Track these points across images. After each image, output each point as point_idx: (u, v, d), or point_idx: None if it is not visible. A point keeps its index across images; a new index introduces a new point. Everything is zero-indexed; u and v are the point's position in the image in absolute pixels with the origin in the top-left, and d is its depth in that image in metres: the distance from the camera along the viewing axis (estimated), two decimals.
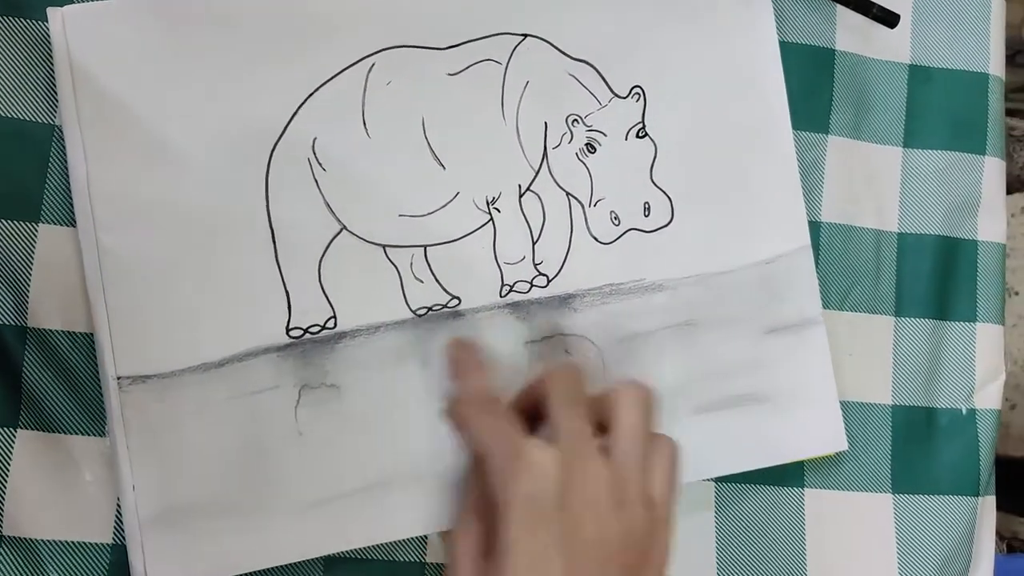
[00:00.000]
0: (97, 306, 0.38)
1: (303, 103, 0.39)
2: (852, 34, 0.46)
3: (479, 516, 0.34)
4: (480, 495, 0.34)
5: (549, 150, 0.41)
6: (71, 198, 0.38)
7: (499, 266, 0.41)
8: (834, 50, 0.46)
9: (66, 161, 0.38)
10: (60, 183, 0.39)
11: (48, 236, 0.38)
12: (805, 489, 0.44)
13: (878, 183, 0.46)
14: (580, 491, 0.32)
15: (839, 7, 0.45)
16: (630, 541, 0.32)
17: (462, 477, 0.38)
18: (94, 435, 0.38)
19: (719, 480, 0.43)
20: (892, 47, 0.47)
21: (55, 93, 0.39)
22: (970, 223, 0.47)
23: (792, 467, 0.43)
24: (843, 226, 0.45)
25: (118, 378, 0.37)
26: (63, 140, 0.38)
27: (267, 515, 0.38)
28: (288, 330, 0.39)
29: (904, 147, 0.46)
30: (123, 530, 0.37)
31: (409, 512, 0.39)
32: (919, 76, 0.47)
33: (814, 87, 0.45)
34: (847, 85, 0.46)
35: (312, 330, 0.39)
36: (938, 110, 0.47)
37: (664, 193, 0.42)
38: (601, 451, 0.33)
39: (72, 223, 0.38)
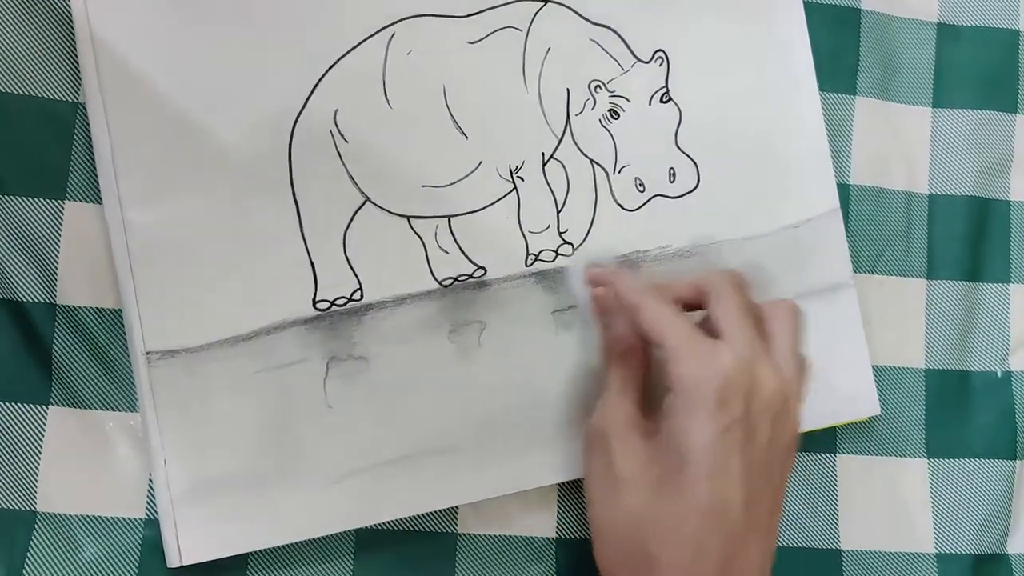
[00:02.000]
0: (125, 282, 0.38)
1: (324, 75, 0.39)
2: None
3: (630, 399, 0.36)
4: (630, 380, 0.36)
5: (572, 117, 0.41)
6: (96, 175, 0.38)
7: (524, 235, 0.40)
8: (860, 9, 0.45)
9: (91, 138, 0.38)
10: (85, 160, 0.39)
11: (75, 213, 0.39)
12: (837, 455, 0.43)
13: (907, 144, 0.45)
14: (758, 398, 0.33)
15: None
16: (787, 446, 0.35)
17: (603, 360, 0.39)
18: (125, 410, 0.38)
19: None
20: (919, 5, 0.46)
21: (79, 71, 0.39)
22: (1002, 183, 0.46)
23: (824, 433, 0.43)
24: (873, 188, 0.45)
25: (147, 353, 0.37)
26: (87, 117, 0.38)
27: (298, 488, 0.38)
28: (315, 303, 0.39)
29: (933, 107, 0.46)
30: (156, 505, 0.37)
31: (439, 483, 0.39)
32: (948, 34, 0.46)
33: (840, 48, 0.45)
34: (874, 45, 0.45)
35: (339, 302, 0.39)
36: (968, 68, 0.46)
37: (689, 158, 0.42)
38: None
39: (98, 200, 0.38)
